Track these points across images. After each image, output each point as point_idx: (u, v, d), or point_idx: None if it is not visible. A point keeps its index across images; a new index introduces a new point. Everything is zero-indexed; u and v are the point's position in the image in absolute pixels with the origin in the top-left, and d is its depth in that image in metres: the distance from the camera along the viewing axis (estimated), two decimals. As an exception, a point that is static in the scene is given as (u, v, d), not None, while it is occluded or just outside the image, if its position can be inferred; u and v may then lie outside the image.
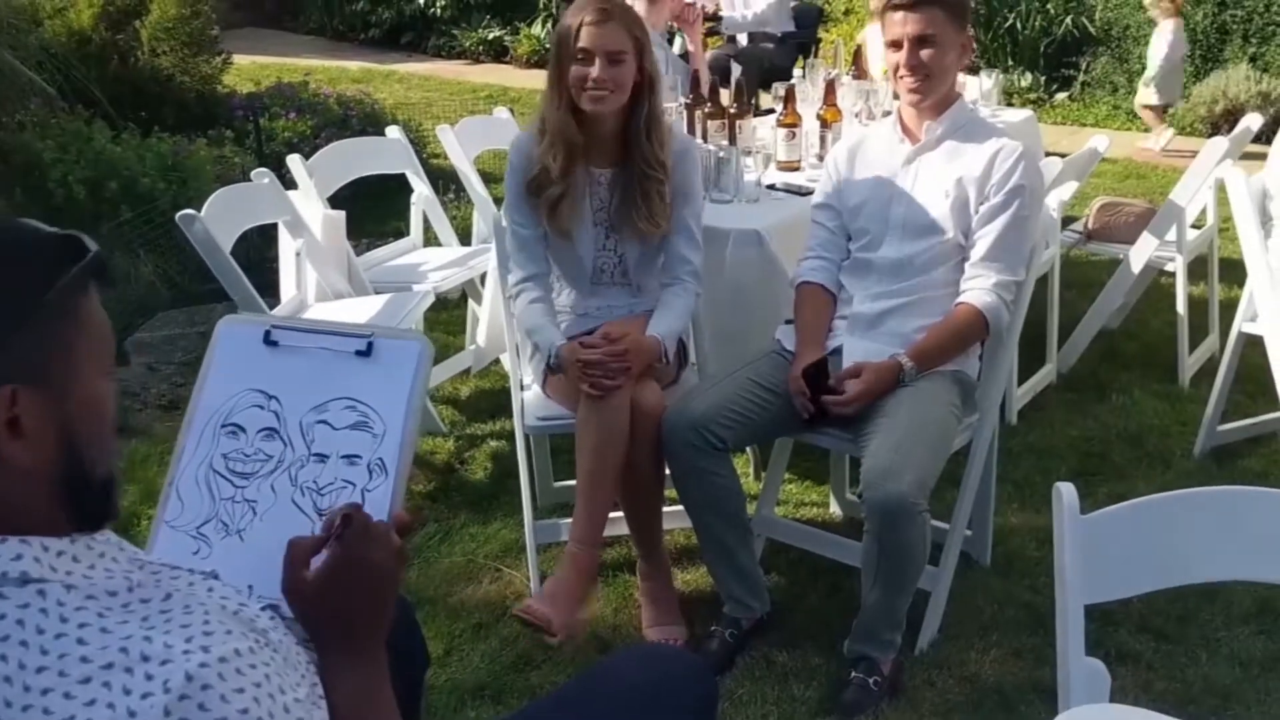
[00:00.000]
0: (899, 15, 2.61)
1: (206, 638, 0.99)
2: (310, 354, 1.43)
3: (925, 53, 2.60)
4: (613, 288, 2.86)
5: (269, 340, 1.44)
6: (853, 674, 2.48)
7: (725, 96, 3.92)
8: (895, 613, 2.48)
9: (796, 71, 4.32)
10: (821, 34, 7.71)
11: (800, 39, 6.45)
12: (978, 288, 2.60)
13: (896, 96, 2.79)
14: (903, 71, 2.64)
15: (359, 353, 1.41)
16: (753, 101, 4.20)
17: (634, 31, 2.64)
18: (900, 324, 2.64)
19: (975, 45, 8.05)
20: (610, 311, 2.82)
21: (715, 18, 5.91)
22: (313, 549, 1.25)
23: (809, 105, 3.89)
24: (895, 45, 2.64)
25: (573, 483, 3.01)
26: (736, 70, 4.05)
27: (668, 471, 2.68)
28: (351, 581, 1.23)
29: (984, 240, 2.62)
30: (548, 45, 10.19)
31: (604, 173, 2.76)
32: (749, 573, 2.68)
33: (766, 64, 5.80)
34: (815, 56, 6.45)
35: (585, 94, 2.62)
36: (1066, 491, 1.57)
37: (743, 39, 6.03)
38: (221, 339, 1.46)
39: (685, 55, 5.79)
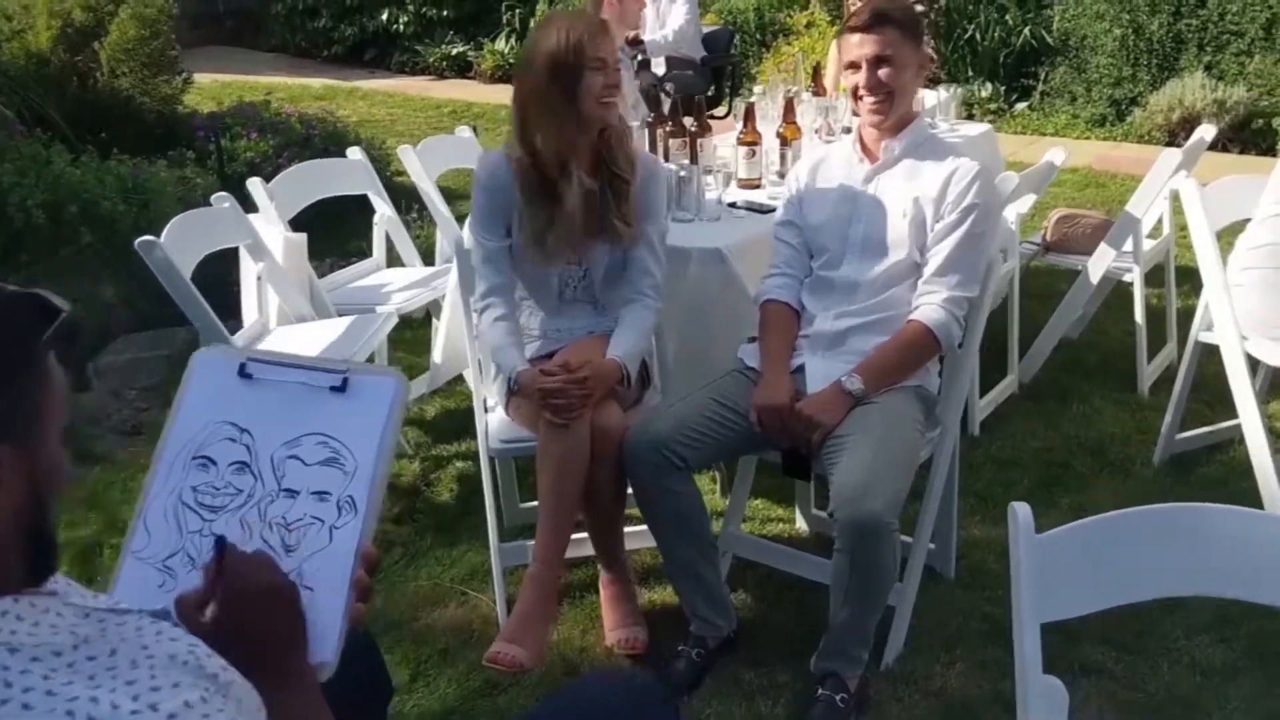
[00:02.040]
0: (856, 37, 2.66)
1: (154, 694, 0.98)
2: (285, 388, 1.42)
3: (884, 72, 2.64)
4: (577, 304, 2.86)
5: (244, 373, 1.43)
6: (820, 691, 2.49)
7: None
8: (864, 630, 2.49)
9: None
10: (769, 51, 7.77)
11: (715, 63, 6.46)
12: (928, 304, 2.63)
13: (856, 114, 2.82)
14: (863, 93, 2.68)
15: (334, 388, 1.41)
16: (710, 118, 4.20)
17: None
18: (862, 342, 2.66)
19: (935, 58, 8.17)
20: (572, 333, 2.82)
21: (638, 42, 5.86)
22: (200, 599, 1.25)
23: (769, 123, 3.92)
24: (854, 67, 2.68)
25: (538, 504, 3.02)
26: (667, 102, 4.02)
27: (630, 490, 2.69)
28: (249, 609, 1.23)
29: (936, 256, 2.64)
30: (511, 60, 10.24)
31: (587, 179, 2.75)
32: (715, 591, 2.68)
33: (692, 92, 5.79)
34: (733, 80, 6.45)
35: (604, 102, 2.66)
36: (1021, 511, 1.58)
37: (659, 67, 5.99)
38: (196, 370, 1.45)
39: (645, 64, 5.78)
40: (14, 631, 1.00)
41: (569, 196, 2.69)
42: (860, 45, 2.66)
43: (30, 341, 1.04)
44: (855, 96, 2.72)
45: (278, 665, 1.22)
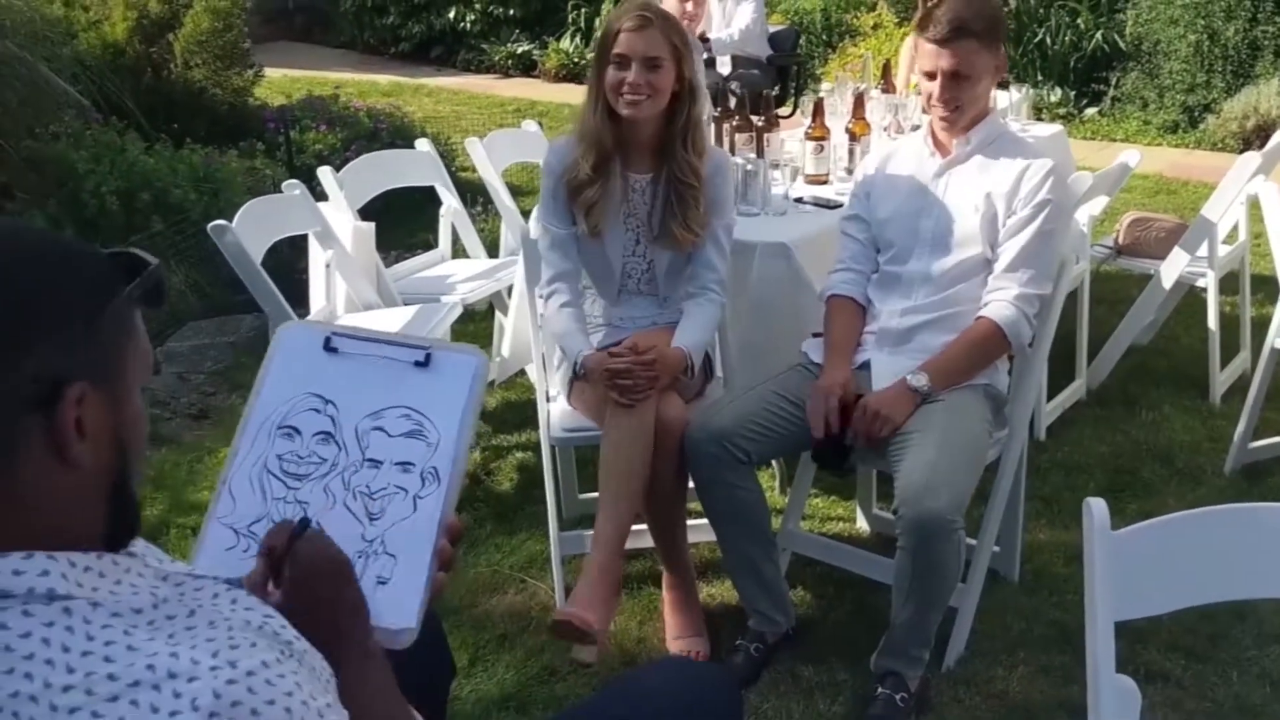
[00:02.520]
0: (932, 48, 2.60)
1: (233, 651, 0.98)
2: (369, 362, 1.43)
3: (960, 87, 2.60)
4: (639, 297, 2.87)
5: (329, 347, 1.45)
6: (880, 689, 2.47)
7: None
8: (926, 630, 2.47)
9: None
10: (828, 52, 7.71)
11: (780, 62, 6.43)
12: (998, 300, 2.59)
13: (926, 111, 2.79)
14: (935, 103, 2.64)
15: (417, 363, 1.42)
16: (777, 114, 4.18)
17: (672, 38, 2.66)
18: (929, 339, 2.63)
19: (1006, 59, 8.05)
20: (635, 323, 2.83)
21: (704, 39, 5.85)
22: (263, 581, 1.25)
23: (837, 119, 3.89)
24: (929, 75, 2.64)
25: (597, 495, 3.02)
26: (733, 100, 4.00)
27: (691, 484, 2.68)
28: (319, 581, 1.23)
29: (1007, 252, 2.61)
30: (576, 59, 10.29)
31: (641, 178, 2.77)
32: (774, 586, 2.67)
33: (758, 89, 5.75)
34: (798, 80, 6.42)
35: (621, 99, 2.65)
36: (1096, 507, 1.55)
37: (725, 66, 5.97)
38: (282, 343, 1.47)
39: (710, 62, 5.76)
40: (96, 588, 1.00)
41: (610, 182, 2.71)
42: (936, 57, 2.60)
43: (114, 290, 1.04)
44: (928, 101, 2.69)
45: (350, 634, 1.23)
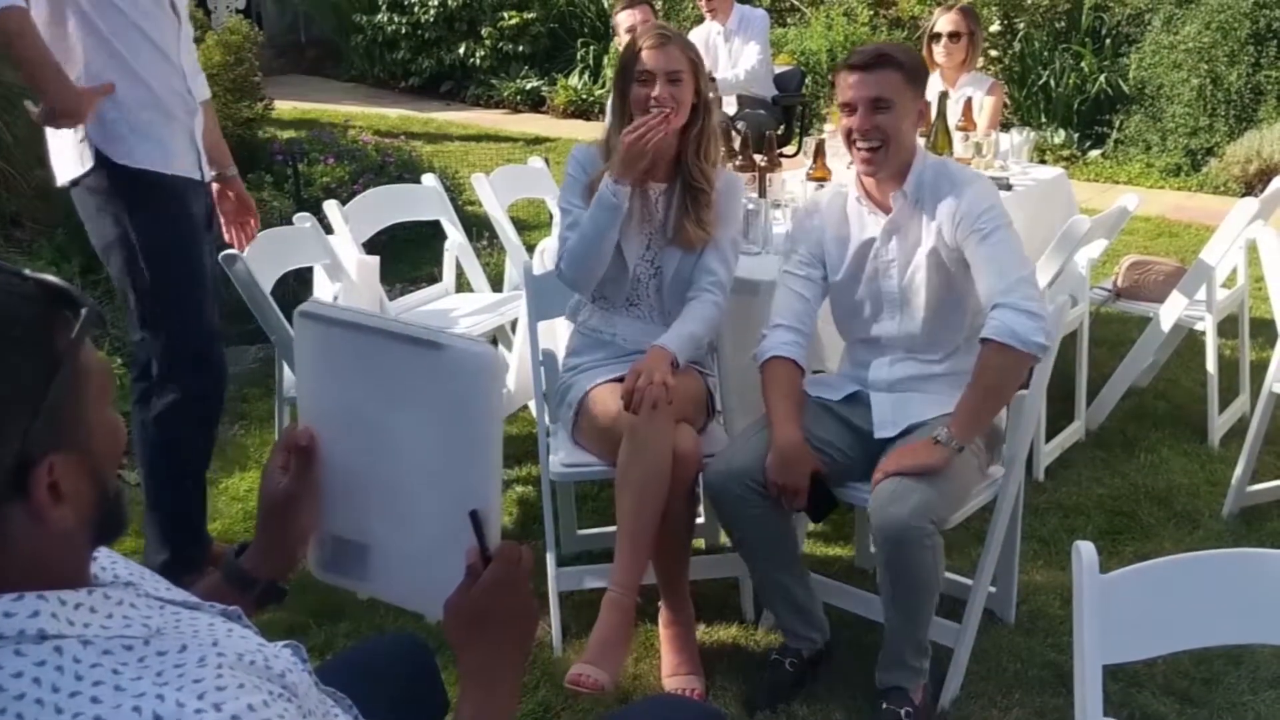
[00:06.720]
0: (854, 77, 2.52)
1: (219, 693, 0.99)
2: None
3: (881, 117, 2.49)
4: (644, 307, 2.90)
5: None
6: (885, 705, 2.49)
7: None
8: (918, 638, 2.48)
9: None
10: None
11: (786, 103, 6.49)
12: (995, 318, 2.42)
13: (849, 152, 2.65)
14: (856, 136, 2.53)
15: None
16: (780, 154, 4.22)
17: (689, 54, 2.79)
18: (925, 384, 2.65)
19: (1008, 103, 8.11)
20: (637, 344, 2.83)
21: (710, 79, 5.88)
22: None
23: (839, 159, 3.92)
24: (848, 108, 2.54)
25: (596, 531, 3.03)
26: (736, 140, 4.04)
27: (700, 520, 2.68)
28: (504, 604, 1.31)
29: (982, 275, 2.48)
30: (584, 96, 10.39)
31: (658, 187, 2.84)
32: (806, 607, 2.69)
33: (763, 130, 5.78)
34: (803, 120, 6.47)
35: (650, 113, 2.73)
36: (1085, 550, 1.57)
37: (730, 105, 6.01)
38: None
39: (717, 100, 5.79)
40: (87, 624, 1.02)
41: (631, 206, 2.76)
42: (858, 86, 2.51)
43: (54, 352, 1.02)
44: (848, 141, 2.58)
45: (498, 670, 1.32)
